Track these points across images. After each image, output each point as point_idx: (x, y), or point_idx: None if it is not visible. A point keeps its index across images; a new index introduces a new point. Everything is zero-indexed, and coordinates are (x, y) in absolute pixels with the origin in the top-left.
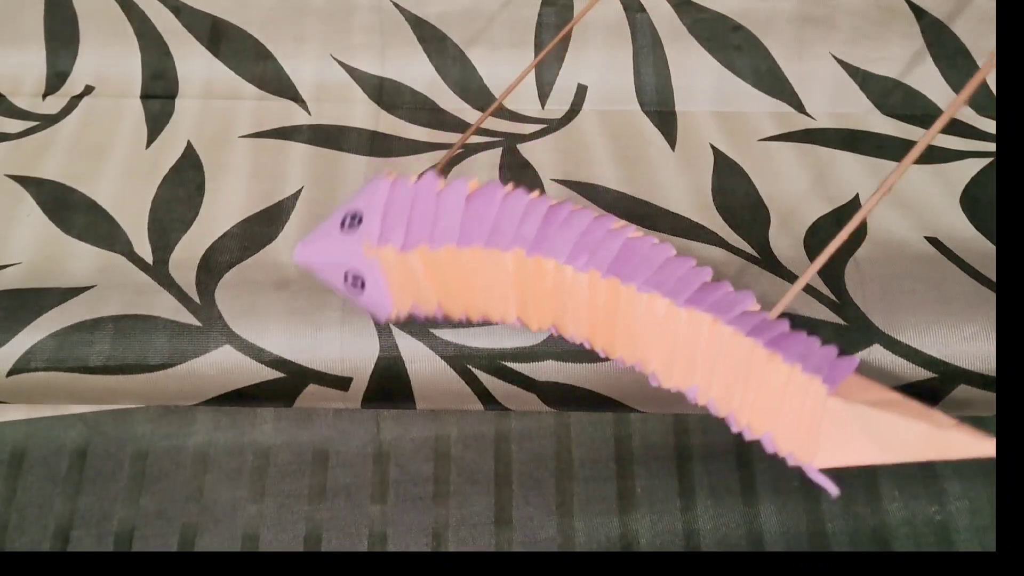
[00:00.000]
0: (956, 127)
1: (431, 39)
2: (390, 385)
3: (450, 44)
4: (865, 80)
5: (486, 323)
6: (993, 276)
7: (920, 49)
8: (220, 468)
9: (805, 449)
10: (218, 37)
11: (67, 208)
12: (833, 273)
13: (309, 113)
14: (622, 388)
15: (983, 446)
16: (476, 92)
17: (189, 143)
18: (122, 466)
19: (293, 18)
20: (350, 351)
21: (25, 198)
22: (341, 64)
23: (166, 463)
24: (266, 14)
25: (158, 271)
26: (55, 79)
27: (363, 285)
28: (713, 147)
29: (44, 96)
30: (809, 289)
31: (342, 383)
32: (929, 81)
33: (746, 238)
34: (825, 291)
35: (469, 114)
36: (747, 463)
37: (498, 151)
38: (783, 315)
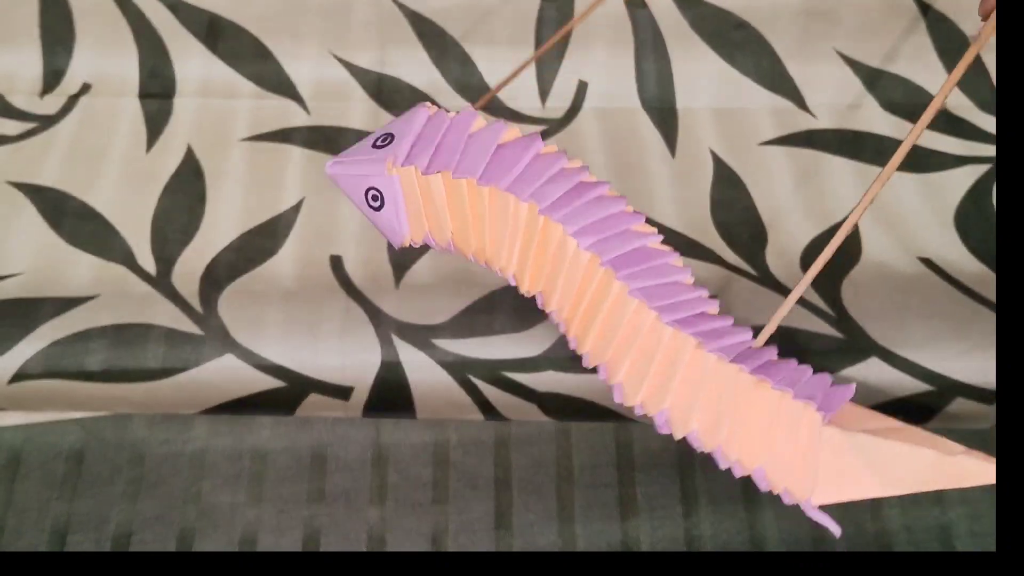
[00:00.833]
0: (956, 127)
1: (430, 35)
2: (391, 395)
3: (450, 41)
4: (869, 76)
5: (488, 268)
6: (987, 296)
7: (925, 44)
8: (218, 472)
9: (802, 484)
10: (216, 35)
11: (68, 216)
12: (830, 288)
13: (308, 112)
14: None
15: (993, 473)
16: (476, 89)
17: (189, 148)
18: (120, 470)
19: (291, 15)
20: (351, 361)
21: (26, 206)
22: (340, 61)
23: (164, 467)
24: (264, 11)
25: (161, 282)
26: (51, 77)
27: (383, 204)
28: (713, 153)
29: (42, 95)
30: (806, 303)
31: (343, 393)
32: (933, 76)
33: (743, 256)
34: (822, 305)
35: None
36: None
37: None
38: (780, 328)
